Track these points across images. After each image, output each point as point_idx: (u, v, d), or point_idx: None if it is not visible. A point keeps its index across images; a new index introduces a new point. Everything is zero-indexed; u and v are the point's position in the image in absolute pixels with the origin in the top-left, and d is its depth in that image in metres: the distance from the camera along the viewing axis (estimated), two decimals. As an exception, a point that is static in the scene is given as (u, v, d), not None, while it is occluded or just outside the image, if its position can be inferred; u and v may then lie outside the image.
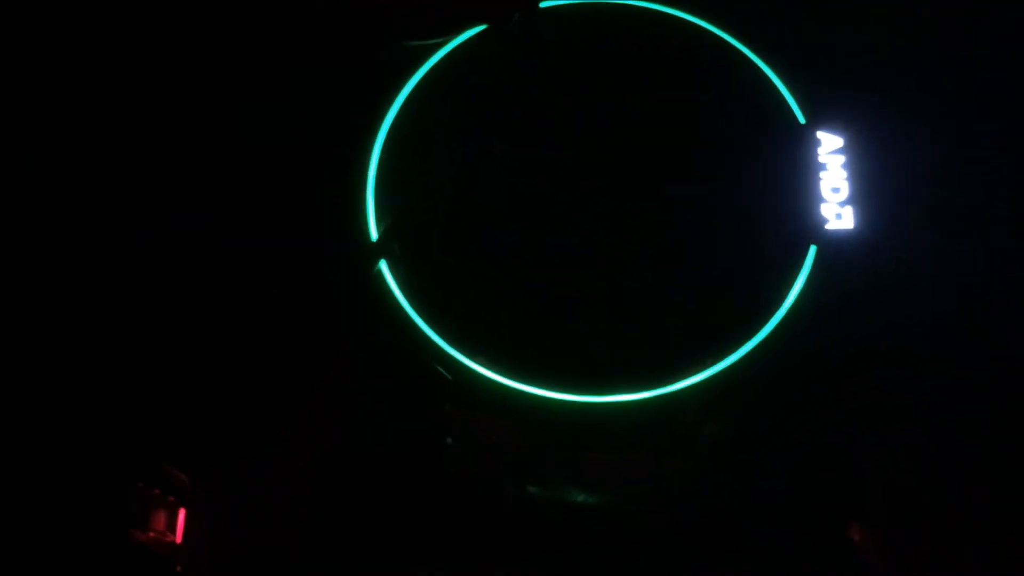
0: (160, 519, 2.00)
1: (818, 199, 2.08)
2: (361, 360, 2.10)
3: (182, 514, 2.00)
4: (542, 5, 2.15)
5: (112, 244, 2.13)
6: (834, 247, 2.06)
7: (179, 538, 1.99)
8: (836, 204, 2.09)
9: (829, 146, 2.12)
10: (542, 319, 2.02)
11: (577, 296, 2.03)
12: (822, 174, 2.10)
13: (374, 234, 2.05)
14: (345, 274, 2.06)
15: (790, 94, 2.13)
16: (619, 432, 2.06)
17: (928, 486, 2.07)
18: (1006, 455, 2.06)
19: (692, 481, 2.08)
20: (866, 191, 2.09)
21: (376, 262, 2.03)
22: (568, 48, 2.13)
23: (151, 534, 1.98)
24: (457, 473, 2.07)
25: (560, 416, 1.99)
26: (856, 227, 2.07)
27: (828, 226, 2.07)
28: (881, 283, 2.10)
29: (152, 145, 2.17)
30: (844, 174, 2.10)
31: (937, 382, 2.10)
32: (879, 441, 2.08)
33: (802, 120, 2.12)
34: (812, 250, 2.06)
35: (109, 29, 2.21)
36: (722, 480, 2.07)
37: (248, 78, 2.20)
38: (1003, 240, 2.16)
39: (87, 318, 2.10)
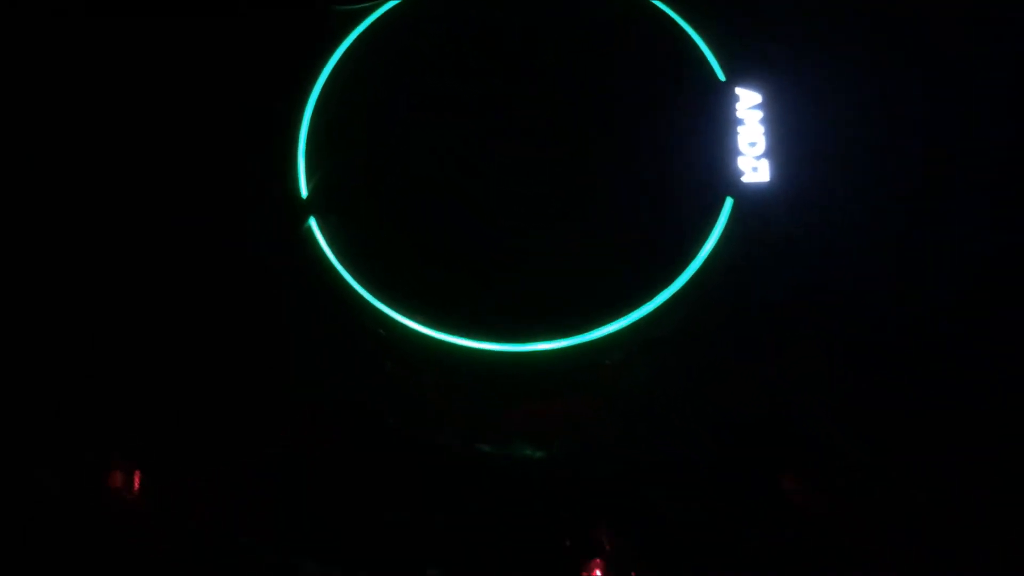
0: (117, 478, 2.09)
1: (735, 153, 2.15)
2: (293, 316, 2.19)
3: (137, 476, 2.11)
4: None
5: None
6: (750, 199, 2.13)
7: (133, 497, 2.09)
8: (753, 158, 2.15)
9: (747, 102, 2.17)
10: (465, 271, 2.12)
11: (499, 248, 2.13)
12: (740, 129, 2.16)
13: (304, 192, 2.16)
14: (275, 231, 2.16)
15: (710, 51, 2.19)
16: (546, 381, 2.16)
17: (855, 438, 2.13)
18: (932, 404, 2.11)
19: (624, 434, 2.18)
20: (782, 145, 2.16)
21: (306, 219, 2.13)
22: (490, 8, 2.21)
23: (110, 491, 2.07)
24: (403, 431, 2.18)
25: (481, 366, 2.09)
26: (772, 180, 2.14)
27: (745, 179, 2.14)
28: (799, 235, 2.17)
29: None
30: (761, 129, 2.16)
31: (855, 331, 2.17)
32: (806, 393, 2.15)
33: (722, 77, 2.18)
34: (729, 202, 2.13)
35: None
36: (651, 434, 2.16)
37: (181, 35, 2.26)
38: (920, 192, 2.20)
39: (45, 291, 2.21)
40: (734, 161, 2.15)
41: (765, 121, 2.17)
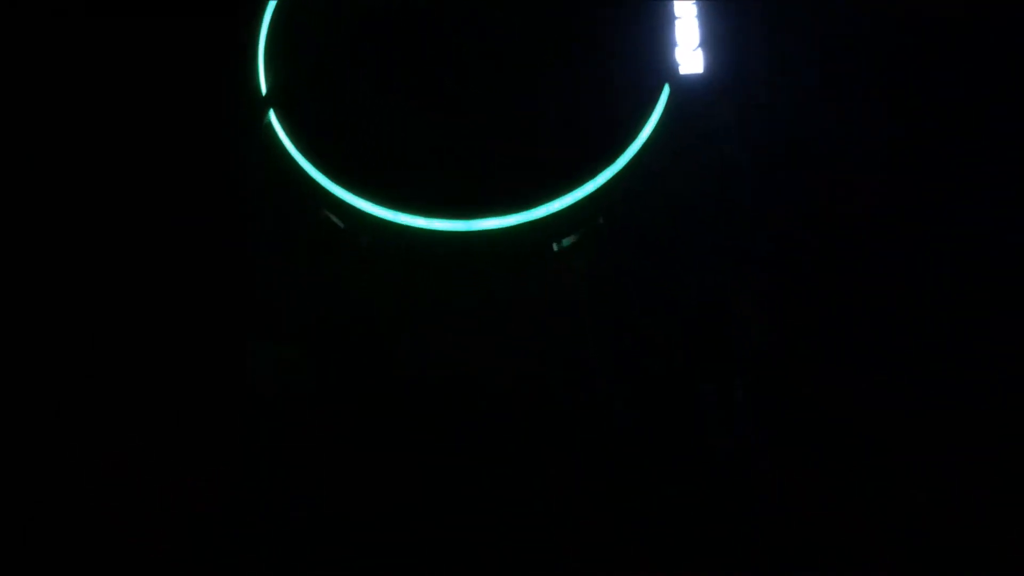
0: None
1: (672, 45, 2.27)
2: (254, 208, 2.28)
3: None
4: None
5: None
6: (686, 86, 2.26)
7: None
8: (689, 50, 2.28)
9: (684, -1, 2.28)
10: (418, 154, 2.21)
11: (449, 131, 2.21)
12: (676, 24, 2.28)
13: (264, 87, 2.27)
14: (237, 125, 2.25)
15: None
16: (496, 263, 2.23)
17: (786, 331, 2.17)
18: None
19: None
20: (716, 39, 2.28)
21: (266, 113, 2.23)
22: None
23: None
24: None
25: (434, 245, 2.18)
26: (706, 69, 2.27)
27: (681, 69, 2.26)
28: (730, 120, 2.28)
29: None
30: (696, 23, 2.28)
31: (781, 216, 2.24)
32: (735, 279, 2.21)
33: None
34: (666, 89, 2.23)
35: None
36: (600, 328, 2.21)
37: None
38: (847, 86, 2.30)
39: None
40: (671, 53, 2.26)
41: (699, 16, 2.28)
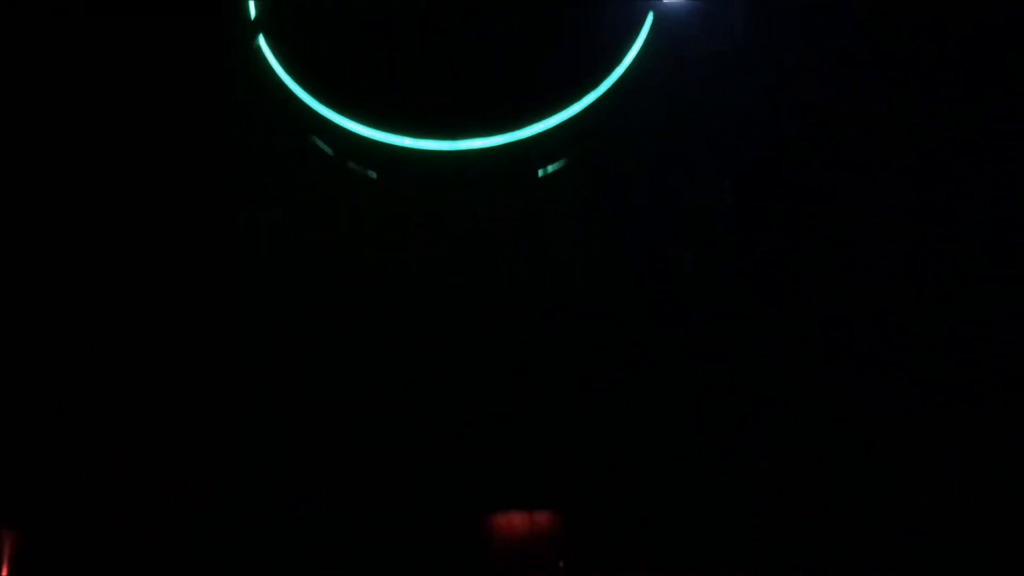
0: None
1: None
2: (242, 124, 2.22)
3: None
4: None
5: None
6: (668, 13, 2.36)
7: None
8: None
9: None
10: (404, 77, 2.15)
11: (440, 54, 2.45)
12: None
13: (253, 12, 2.21)
14: (227, 49, 2.19)
15: None
16: (486, 183, 2.39)
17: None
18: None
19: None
20: None
21: (255, 37, 2.16)
22: None
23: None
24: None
25: (424, 163, 2.34)
26: None
27: None
28: (709, 49, 2.41)
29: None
30: None
31: (752, 143, 2.42)
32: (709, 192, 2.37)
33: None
34: (650, 16, 2.38)
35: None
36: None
37: None
38: (828, 16, 2.47)
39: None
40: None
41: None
